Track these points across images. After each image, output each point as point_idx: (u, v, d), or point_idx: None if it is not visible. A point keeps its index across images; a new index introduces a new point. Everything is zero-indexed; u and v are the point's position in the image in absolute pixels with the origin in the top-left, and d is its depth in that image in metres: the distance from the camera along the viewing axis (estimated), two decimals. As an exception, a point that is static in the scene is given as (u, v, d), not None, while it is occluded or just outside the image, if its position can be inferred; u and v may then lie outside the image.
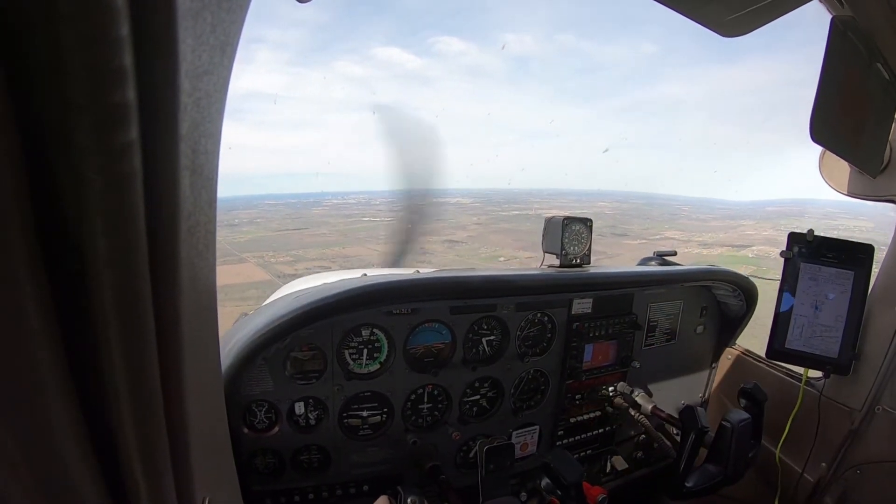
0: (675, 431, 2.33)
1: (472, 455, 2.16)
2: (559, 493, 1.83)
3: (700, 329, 2.73)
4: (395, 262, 2.62)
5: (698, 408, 2.07)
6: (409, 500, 1.63)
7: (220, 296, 0.68)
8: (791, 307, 2.30)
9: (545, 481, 1.87)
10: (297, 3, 1.12)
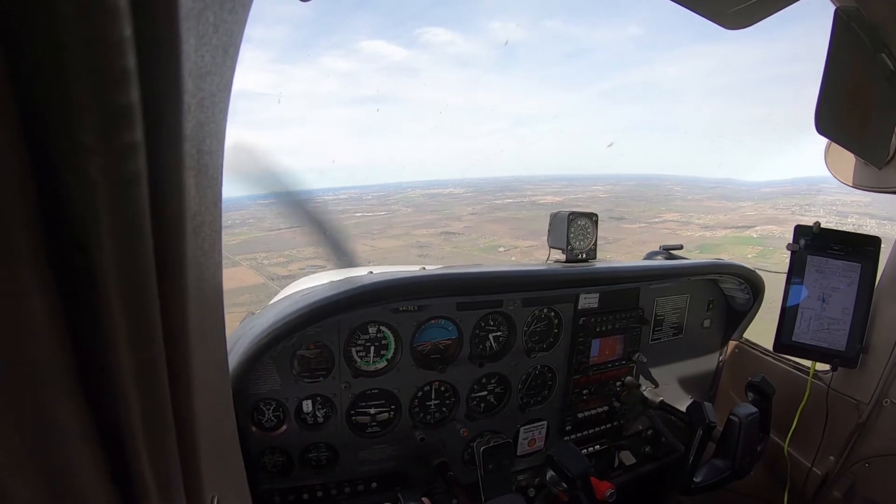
0: (682, 425, 2.33)
1: None
2: (565, 486, 1.83)
3: (707, 323, 2.72)
4: (348, 263, 2.64)
5: (705, 403, 2.07)
6: None
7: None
8: (798, 300, 2.29)
9: (550, 474, 1.87)
10: (300, 1, 1.13)
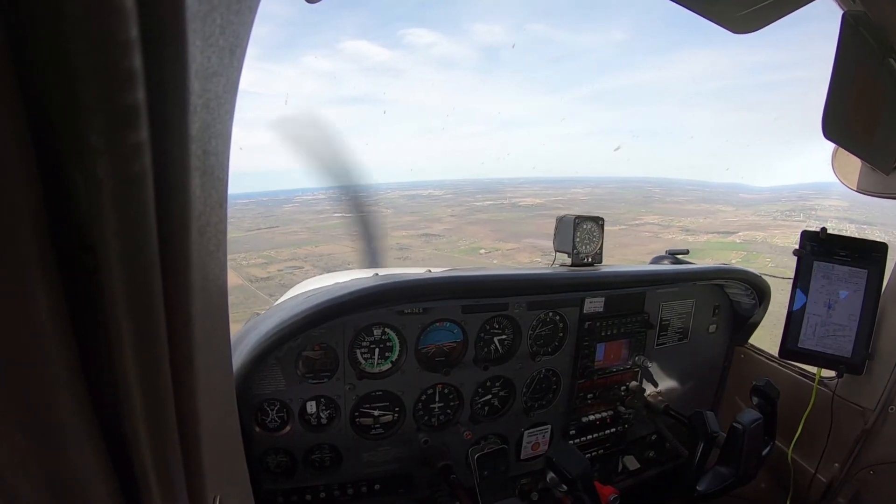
0: (686, 430, 2.33)
1: None
2: (565, 487, 1.82)
3: (712, 328, 2.71)
4: (372, 262, 2.65)
5: (707, 412, 2.06)
6: None
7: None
8: (804, 306, 2.27)
9: (550, 476, 1.86)
10: (307, 3, 1.13)
